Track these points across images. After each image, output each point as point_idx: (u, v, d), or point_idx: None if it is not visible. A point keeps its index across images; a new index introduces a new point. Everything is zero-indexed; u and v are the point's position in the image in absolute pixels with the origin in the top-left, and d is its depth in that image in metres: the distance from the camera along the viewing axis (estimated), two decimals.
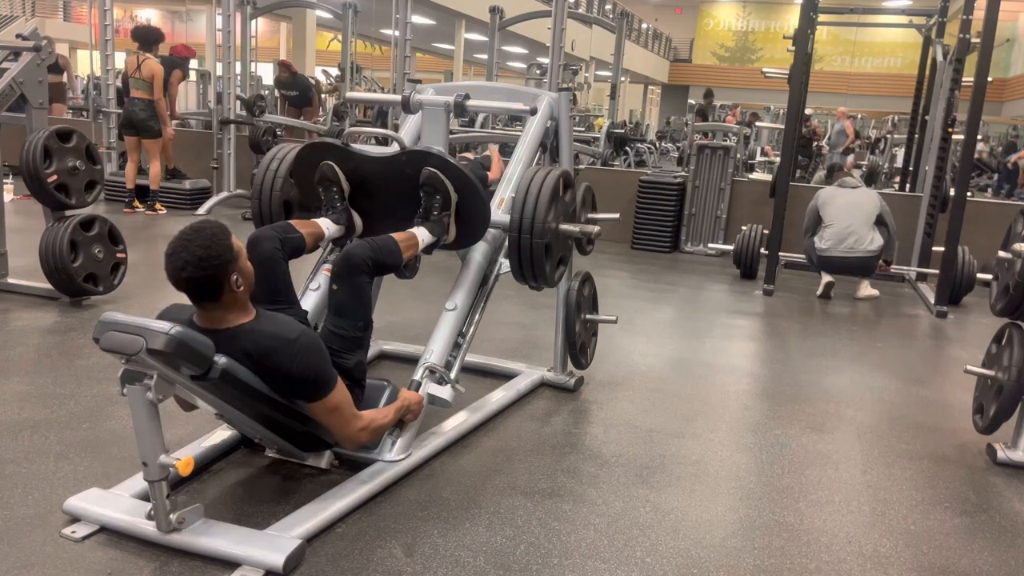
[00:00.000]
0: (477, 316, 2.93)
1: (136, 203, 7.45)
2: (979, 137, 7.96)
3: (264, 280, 2.32)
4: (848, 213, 5.74)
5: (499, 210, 3.04)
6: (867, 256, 5.70)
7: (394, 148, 2.94)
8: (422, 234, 2.73)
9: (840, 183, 6.02)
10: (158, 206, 7.47)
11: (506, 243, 2.93)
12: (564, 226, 2.96)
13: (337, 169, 2.81)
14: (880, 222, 5.77)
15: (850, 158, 12.98)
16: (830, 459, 2.98)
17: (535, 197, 2.78)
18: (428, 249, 2.79)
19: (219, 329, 2.10)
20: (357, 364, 2.51)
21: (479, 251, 2.98)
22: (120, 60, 8.40)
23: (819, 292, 5.90)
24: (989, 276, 3.36)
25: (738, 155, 7.80)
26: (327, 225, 2.77)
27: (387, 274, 2.76)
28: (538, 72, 10.49)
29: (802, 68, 6.37)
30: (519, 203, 2.79)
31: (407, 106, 3.09)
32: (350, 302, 2.51)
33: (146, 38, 7.26)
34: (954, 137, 6.47)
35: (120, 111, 7.60)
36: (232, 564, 2.00)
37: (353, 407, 2.31)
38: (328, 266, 2.95)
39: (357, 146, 2.89)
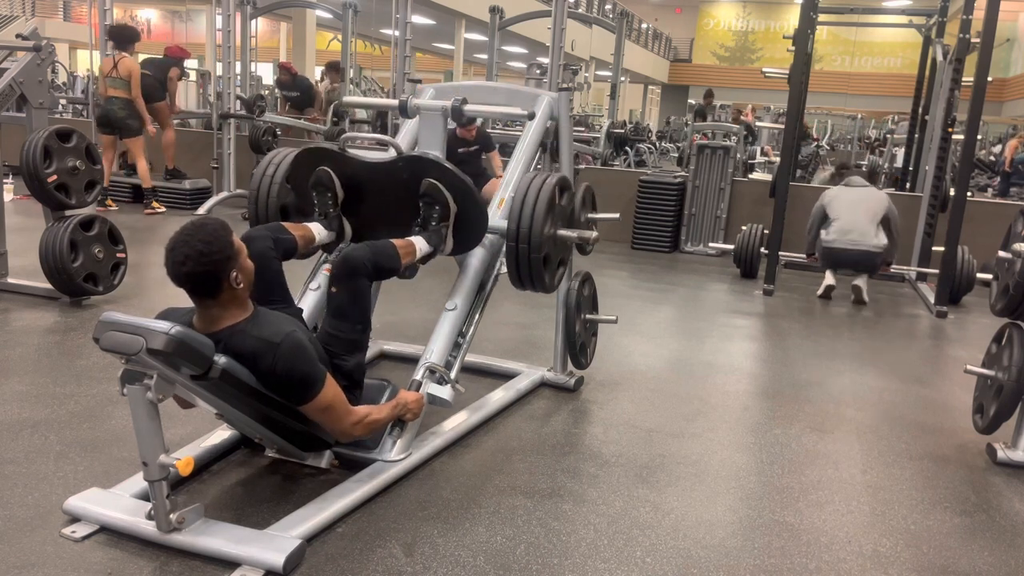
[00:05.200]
0: (477, 316, 2.93)
1: (108, 201, 7.39)
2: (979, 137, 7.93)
3: (258, 278, 2.30)
4: (854, 209, 5.77)
5: (498, 211, 3.04)
6: (871, 251, 5.70)
7: (391, 153, 2.93)
8: (420, 243, 2.74)
9: (847, 182, 6.05)
10: (155, 204, 7.45)
11: (503, 249, 2.91)
12: (562, 232, 2.94)
13: (333, 175, 2.81)
14: (884, 223, 5.78)
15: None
16: (830, 459, 2.98)
17: (532, 206, 2.76)
18: (424, 259, 2.79)
19: (213, 332, 2.09)
20: (356, 365, 2.51)
21: (476, 257, 2.97)
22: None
23: (819, 292, 5.90)
24: (989, 276, 3.36)
25: (738, 156, 7.80)
26: (318, 230, 2.77)
27: (386, 278, 2.76)
28: (538, 72, 10.47)
29: (802, 68, 6.36)
30: (515, 212, 2.77)
31: (404, 110, 3.09)
32: (349, 305, 2.51)
33: (121, 37, 7.17)
34: (954, 137, 6.47)
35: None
36: (232, 564, 2.01)
37: (346, 403, 2.29)
38: (328, 266, 2.95)
39: (354, 151, 2.90)
